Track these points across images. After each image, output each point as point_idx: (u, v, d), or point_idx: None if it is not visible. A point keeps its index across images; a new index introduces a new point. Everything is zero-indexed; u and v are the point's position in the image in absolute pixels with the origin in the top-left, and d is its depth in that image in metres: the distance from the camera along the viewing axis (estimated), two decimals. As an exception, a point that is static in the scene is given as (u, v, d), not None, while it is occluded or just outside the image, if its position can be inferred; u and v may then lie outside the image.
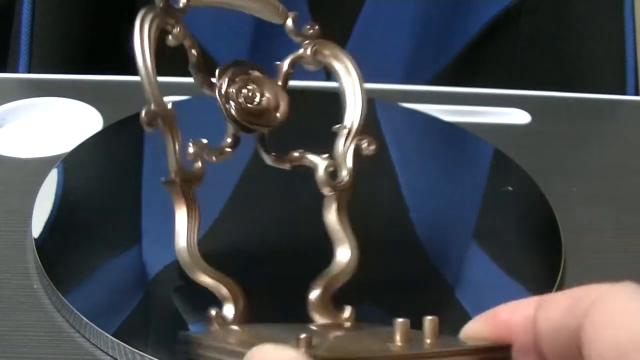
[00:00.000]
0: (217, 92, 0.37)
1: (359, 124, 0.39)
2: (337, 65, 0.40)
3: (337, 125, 0.39)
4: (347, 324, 0.36)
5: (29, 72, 0.69)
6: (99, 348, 0.39)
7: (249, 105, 0.37)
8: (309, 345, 0.25)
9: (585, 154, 0.59)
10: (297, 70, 0.40)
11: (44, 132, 0.56)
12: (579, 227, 0.49)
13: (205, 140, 0.37)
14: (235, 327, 0.34)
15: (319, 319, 0.35)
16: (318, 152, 0.39)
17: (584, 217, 0.51)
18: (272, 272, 0.44)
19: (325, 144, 0.39)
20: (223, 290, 0.34)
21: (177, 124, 0.35)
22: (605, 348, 0.23)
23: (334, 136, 0.39)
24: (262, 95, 0.38)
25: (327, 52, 0.40)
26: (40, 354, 0.38)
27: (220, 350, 0.30)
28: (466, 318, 0.28)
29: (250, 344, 0.25)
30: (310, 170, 0.39)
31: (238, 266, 0.38)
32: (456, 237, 0.49)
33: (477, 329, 0.28)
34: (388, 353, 0.27)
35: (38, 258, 0.42)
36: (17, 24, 0.69)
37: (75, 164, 0.51)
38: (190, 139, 0.36)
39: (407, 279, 0.44)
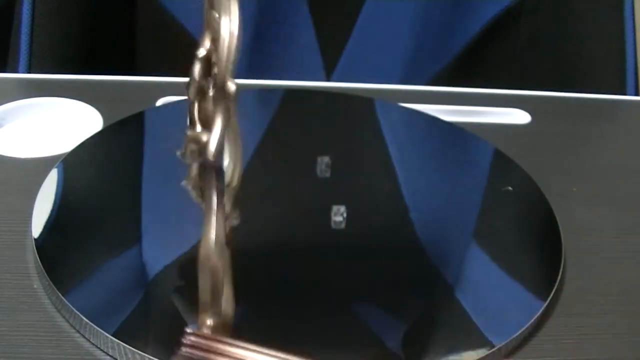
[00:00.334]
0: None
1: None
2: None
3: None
4: None
5: (29, 72, 0.69)
6: (99, 348, 0.39)
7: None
8: None
9: (585, 154, 0.59)
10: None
11: (44, 132, 0.56)
12: (579, 227, 0.49)
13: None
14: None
15: None
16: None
17: (584, 217, 0.51)
18: (265, 274, 0.44)
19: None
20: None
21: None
22: None
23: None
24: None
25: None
26: (40, 354, 0.38)
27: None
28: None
29: None
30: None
31: (238, 266, 0.38)
32: (456, 237, 0.49)
33: None
34: None
35: (38, 258, 0.42)
36: (17, 24, 0.69)
37: (75, 164, 0.51)
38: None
39: (407, 279, 0.44)
